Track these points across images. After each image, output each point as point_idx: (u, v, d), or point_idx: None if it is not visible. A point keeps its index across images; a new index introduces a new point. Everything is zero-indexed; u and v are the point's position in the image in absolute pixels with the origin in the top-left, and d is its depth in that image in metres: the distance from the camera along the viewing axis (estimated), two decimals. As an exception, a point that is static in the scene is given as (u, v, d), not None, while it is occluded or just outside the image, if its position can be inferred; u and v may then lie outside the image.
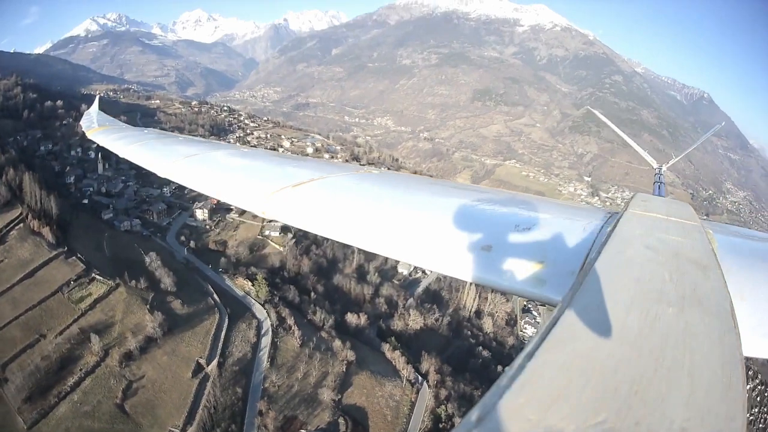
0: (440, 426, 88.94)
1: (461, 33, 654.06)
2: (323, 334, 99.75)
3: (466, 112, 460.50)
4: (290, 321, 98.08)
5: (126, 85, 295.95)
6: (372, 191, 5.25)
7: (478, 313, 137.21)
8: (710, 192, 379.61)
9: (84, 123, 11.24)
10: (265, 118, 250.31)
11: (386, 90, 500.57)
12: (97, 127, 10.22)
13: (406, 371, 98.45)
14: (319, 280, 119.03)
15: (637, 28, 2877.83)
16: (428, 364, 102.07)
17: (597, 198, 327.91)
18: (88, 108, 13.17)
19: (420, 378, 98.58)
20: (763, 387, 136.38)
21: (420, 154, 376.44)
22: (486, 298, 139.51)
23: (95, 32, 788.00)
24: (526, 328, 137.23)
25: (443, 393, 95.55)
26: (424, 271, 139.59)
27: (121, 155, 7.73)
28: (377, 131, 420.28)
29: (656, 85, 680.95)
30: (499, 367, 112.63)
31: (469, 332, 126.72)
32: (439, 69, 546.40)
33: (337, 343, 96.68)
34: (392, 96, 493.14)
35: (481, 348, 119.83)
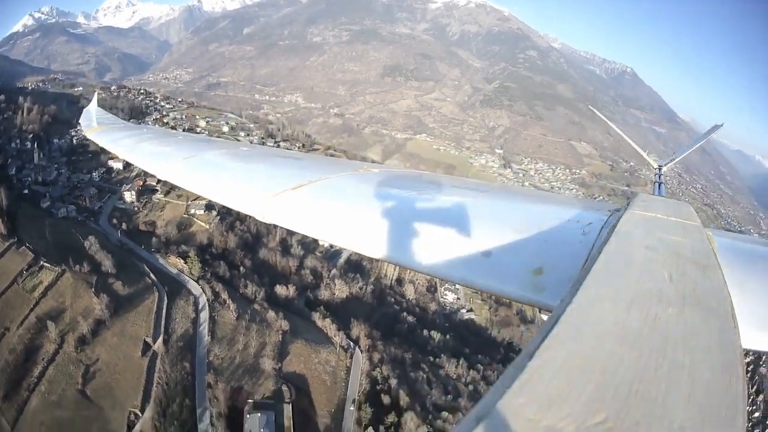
0: (378, 388, 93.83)
1: (373, 10, 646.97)
2: (256, 306, 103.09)
3: (377, 87, 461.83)
4: (224, 295, 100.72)
5: (52, 75, 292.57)
6: (372, 193, 5.17)
7: (400, 281, 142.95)
8: (631, 164, 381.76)
9: (83, 122, 11.07)
10: (180, 99, 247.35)
11: (297, 67, 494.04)
12: (96, 127, 10.16)
13: (338, 338, 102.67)
14: (246, 255, 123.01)
15: (556, 4, 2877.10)
16: (358, 330, 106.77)
17: (509, 170, 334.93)
18: (88, 105, 12.82)
19: (351, 344, 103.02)
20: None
21: (330, 129, 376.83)
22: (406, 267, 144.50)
23: (31, 27, 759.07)
24: (446, 295, 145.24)
25: (376, 356, 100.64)
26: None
27: (120, 157, 7.93)
28: (287, 108, 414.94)
29: (574, 59, 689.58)
30: (425, 331, 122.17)
31: (393, 299, 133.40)
32: (350, 46, 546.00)
33: (270, 314, 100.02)
34: (303, 73, 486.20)
35: (405, 314, 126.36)
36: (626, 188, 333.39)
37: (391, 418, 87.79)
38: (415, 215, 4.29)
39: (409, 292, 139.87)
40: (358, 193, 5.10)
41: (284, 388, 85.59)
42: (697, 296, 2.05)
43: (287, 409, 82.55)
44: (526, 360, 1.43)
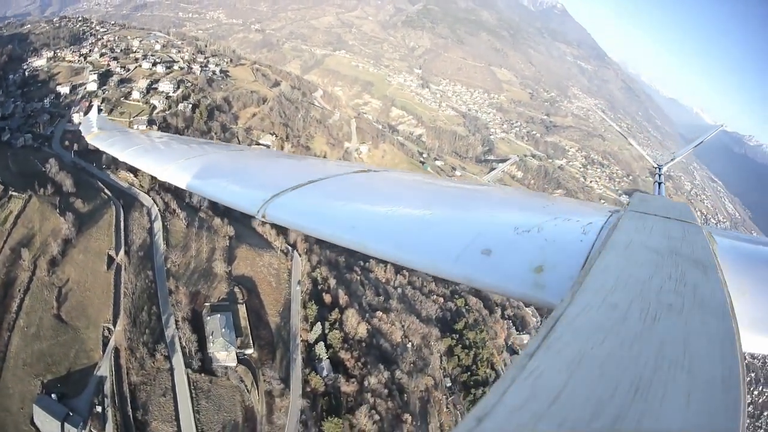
0: (319, 287, 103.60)
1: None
2: (202, 214, 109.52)
3: (298, 4, 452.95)
4: (173, 205, 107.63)
5: (6, 21, 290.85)
6: (372, 193, 5.65)
7: None
8: (552, 94, 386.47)
9: (83, 128, 10.96)
10: (112, 22, 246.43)
11: None
12: (96, 131, 10.14)
13: (278, 242, 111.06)
14: None
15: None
16: (295, 235, 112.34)
17: (427, 90, 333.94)
18: (87, 113, 15.82)
19: (290, 248, 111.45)
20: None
21: (250, 45, 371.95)
22: None
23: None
24: None
25: (314, 259, 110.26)
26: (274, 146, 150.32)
27: (120, 159, 7.71)
28: (209, 25, 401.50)
29: None
30: None
31: None
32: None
33: (216, 221, 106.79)
34: None
35: None
36: (545, 117, 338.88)
37: (334, 314, 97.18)
38: (414, 215, 4.57)
39: None
40: (357, 194, 5.52)
41: (236, 290, 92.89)
42: (697, 296, 2.11)
43: (241, 310, 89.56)
44: (526, 360, 1.47)
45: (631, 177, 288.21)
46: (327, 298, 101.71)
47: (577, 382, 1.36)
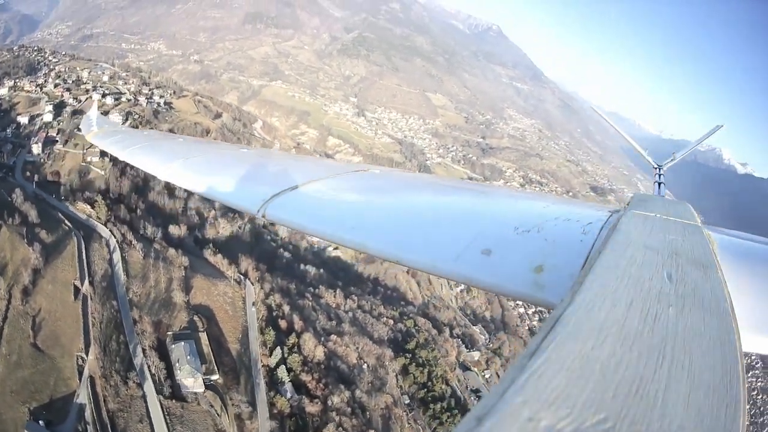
0: (274, 314, 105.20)
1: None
2: (156, 245, 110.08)
3: (237, 34, 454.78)
4: (129, 236, 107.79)
5: None
6: (372, 193, 5.59)
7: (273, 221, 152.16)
8: (488, 117, 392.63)
9: (84, 127, 11.45)
10: (63, 53, 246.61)
11: (162, 15, 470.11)
12: (96, 130, 10.47)
13: (231, 272, 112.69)
14: (139, 198, 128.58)
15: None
16: (246, 264, 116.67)
17: (363, 118, 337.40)
18: (88, 112, 13.06)
19: (242, 277, 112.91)
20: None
21: (189, 76, 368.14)
22: None
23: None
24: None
25: (267, 287, 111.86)
26: None
27: (121, 158, 7.79)
28: (150, 56, 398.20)
29: (438, 14, 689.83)
30: (302, 266, 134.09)
31: (269, 237, 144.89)
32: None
33: (171, 252, 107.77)
34: (167, 20, 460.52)
35: (282, 250, 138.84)
36: (481, 140, 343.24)
37: (292, 339, 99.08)
38: (415, 215, 4.74)
39: (282, 230, 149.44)
40: (357, 193, 5.56)
41: (195, 318, 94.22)
42: (697, 296, 2.11)
43: (203, 338, 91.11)
44: (526, 360, 1.45)
45: (570, 193, 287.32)
46: (282, 323, 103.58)
47: (577, 382, 1.36)
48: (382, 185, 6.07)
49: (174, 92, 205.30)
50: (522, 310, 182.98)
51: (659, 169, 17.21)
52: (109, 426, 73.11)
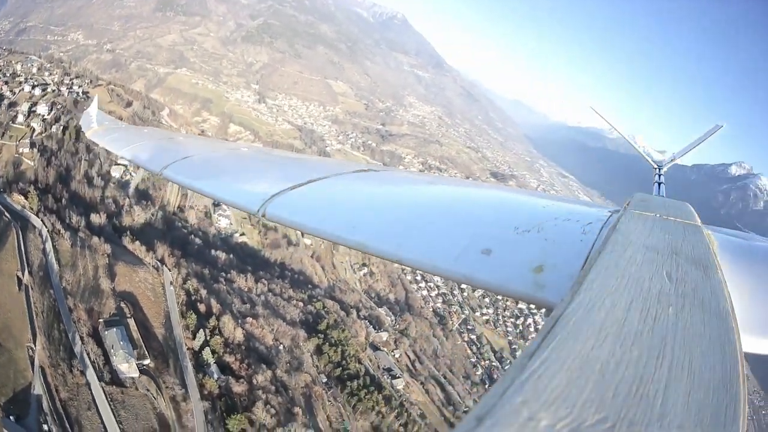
0: (192, 298, 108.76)
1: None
2: (81, 234, 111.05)
3: (147, 22, 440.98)
4: (58, 226, 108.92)
5: None
6: (372, 192, 5.61)
7: (182, 208, 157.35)
8: (387, 104, 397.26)
9: (83, 123, 11.45)
10: (3, 47, 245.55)
11: (84, 5, 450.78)
12: (96, 127, 10.50)
13: (149, 258, 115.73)
14: (64, 188, 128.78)
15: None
16: (162, 250, 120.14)
17: (264, 104, 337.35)
18: (88, 108, 13.12)
19: (159, 263, 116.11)
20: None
21: (102, 65, 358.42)
22: (185, 194, 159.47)
23: None
24: (220, 220, 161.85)
25: (183, 272, 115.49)
26: (131, 171, 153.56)
27: (120, 155, 7.99)
28: (70, 46, 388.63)
29: (343, 2, 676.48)
30: (212, 251, 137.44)
31: (180, 224, 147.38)
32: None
33: (94, 240, 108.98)
34: (88, 10, 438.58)
35: (193, 236, 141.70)
36: (381, 126, 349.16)
37: (212, 322, 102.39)
38: (415, 214, 4.63)
39: (192, 217, 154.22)
40: (358, 193, 5.53)
41: (122, 305, 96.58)
42: (697, 296, 2.10)
43: (131, 324, 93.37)
44: (526, 360, 1.44)
45: (470, 179, 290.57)
46: (202, 307, 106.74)
47: (577, 382, 1.34)
48: (382, 185, 6.23)
49: (90, 81, 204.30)
50: (425, 292, 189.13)
51: (659, 169, 17.56)
52: (63, 416, 74.48)
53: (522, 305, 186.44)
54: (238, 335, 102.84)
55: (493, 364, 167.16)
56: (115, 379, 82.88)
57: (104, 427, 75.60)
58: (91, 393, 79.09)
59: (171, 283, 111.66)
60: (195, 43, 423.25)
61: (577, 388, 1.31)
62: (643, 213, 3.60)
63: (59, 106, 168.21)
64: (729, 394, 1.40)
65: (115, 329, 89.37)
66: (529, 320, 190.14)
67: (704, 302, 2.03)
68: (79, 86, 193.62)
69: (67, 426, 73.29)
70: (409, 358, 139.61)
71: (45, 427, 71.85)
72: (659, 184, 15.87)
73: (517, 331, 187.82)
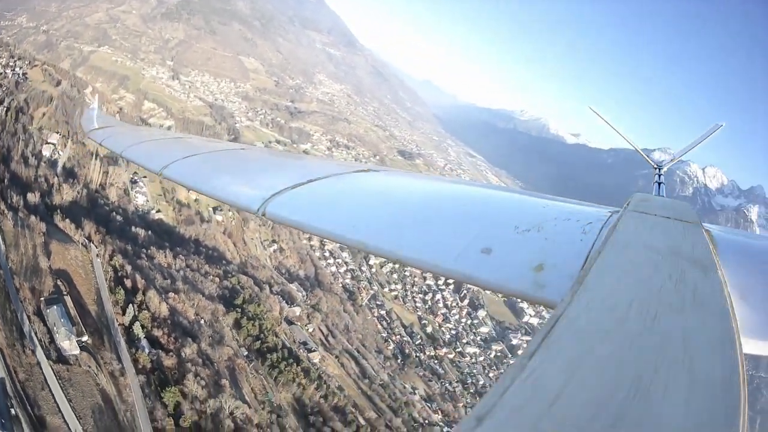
0: (119, 274, 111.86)
1: None
2: (20, 213, 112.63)
3: (79, 2, 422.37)
4: (2, 206, 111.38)
5: None
6: (372, 192, 5.69)
7: (103, 186, 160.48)
8: (297, 81, 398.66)
9: (84, 122, 11.43)
10: None
11: None
12: (96, 127, 10.52)
13: (78, 236, 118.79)
14: (4, 169, 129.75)
15: None
16: (88, 228, 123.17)
17: (177, 81, 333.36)
18: (89, 108, 13.22)
19: (87, 240, 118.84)
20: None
21: (37, 46, 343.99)
22: (106, 172, 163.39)
23: None
24: (137, 197, 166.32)
25: (109, 248, 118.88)
26: (59, 150, 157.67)
27: (120, 154, 8.00)
28: (15, 30, 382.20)
29: None
30: (132, 228, 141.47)
31: (102, 201, 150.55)
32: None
33: (32, 219, 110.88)
34: None
35: (114, 213, 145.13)
36: (290, 103, 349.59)
37: (139, 297, 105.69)
38: (415, 214, 4.71)
39: (113, 194, 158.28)
40: (357, 193, 5.59)
41: (59, 282, 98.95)
42: (697, 296, 2.10)
43: (68, 301, 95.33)
44: (526, 360, 1.47)
45: (378, 157, 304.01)
46: (128, 283, 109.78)
47: (577, 382, 1.37)
48: (382, 185, 6.25)
49: (29, 62, 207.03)
50: (334, 269, 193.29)
51: (659, 169, 17.06)
52: (24, 398, 75.06)
53: (430, 281, 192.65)
54: (164, 310, 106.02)
55: (404, 339, 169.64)
56: (60, 357, 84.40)
57: (57, 406, 76.72)
58: (43, 372, 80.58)
59: (99, 258, 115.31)
60: (118, 21, 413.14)
61: (577, 388, 1.35)
62: (643, 213, 3.80)
63: (4, 88, 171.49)
64: (729, 394, 1.42)
65: (55, 307, 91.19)
66: (438, 296, 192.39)
67: (704, 302, 2.07)
68: (20, 68, 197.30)
69: (29, 408, 74.46)
70: (323, 332, 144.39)
71: (13, 411, 72.27)
72: (659, 184, 15.82)
73: (426, 306, 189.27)
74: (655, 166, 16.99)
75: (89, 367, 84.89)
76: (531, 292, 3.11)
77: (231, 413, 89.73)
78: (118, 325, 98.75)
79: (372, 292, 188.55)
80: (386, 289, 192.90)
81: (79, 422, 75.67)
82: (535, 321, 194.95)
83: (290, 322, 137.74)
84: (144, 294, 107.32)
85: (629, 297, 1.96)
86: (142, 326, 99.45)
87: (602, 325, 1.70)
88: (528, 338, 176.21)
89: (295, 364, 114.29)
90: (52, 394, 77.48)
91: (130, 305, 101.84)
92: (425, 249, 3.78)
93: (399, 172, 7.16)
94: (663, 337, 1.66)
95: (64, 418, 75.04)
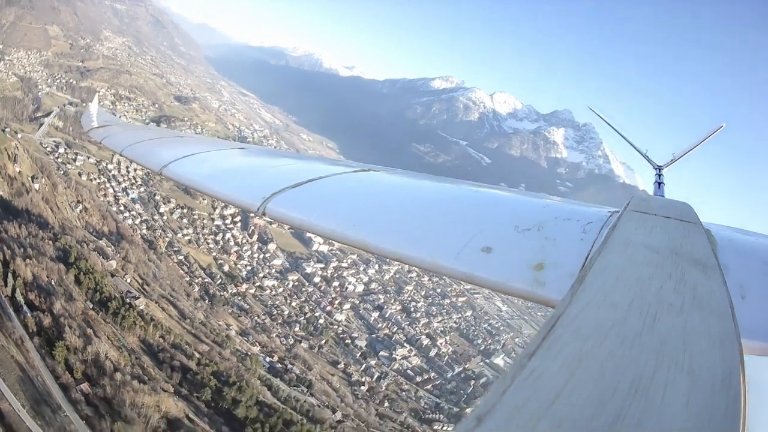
0: None
1: None
2: None
3: None
4: None
5: None
6: (373, 192, 5.62)
7: None
8: (87, 41, 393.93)
9: (84, 121, 11.29)
10: None
11: None
12: (96, 125, 10.54)
13: None
14: None
15: None
16: None
17: (2, 62, 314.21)
18: (89, 105, 12.70)
19: None
20: None
21: None
22: None
23: None
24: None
25: None
26: None
27: (120, 153, 7.89)
28: None
29: None
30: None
31: None
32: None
33: None
34: None
35: None
36: (80, 64, 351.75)
37: (11, 266, 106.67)
38: (415, 213, 4.63)
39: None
40: (358, 192, 5.52)
41: None
42: (697, 296, 2.06)
43: None
44: (526, 360, 1.44)
45: (156, 105, 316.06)
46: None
47: (577, 382, 1.34)
48: (382, 184, 6.15)
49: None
50: (131, 221, 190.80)
51: (659, 169, 16.96)
52: None
53: (218, 221, 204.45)
54: (28, 274, 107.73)
55: (206, 280, 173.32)
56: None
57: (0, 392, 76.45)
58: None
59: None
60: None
61: (577, 388, 1.32)
62: (643, 213, 3.67)
63: None
64: (729, 394, 1.39)
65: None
66: (228, 235, 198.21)
67: (704, 302, 2.03)
68: None
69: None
70: (137, 281, 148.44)
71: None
72: (659, 184, 15.68)
73: (219, 246, 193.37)
74: (656, 166, 17.26)
75: (2, 343, 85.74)
76: (531, 291, 3.24)
77: (106, 357, 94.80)
78: (5, 296, 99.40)
79: (168, 239, 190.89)
80: (179, 235, 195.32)
81: (18, 401, 77.23)
82: (324, 248, 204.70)
83: (112, 275, 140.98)
84: (13, 262, 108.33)
85: (629, 297, 1.97)
86: (21, 293, 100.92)
87: (602, 325, 1.70)
88: (321, 265, 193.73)
89: (132, 309, 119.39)
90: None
91: (9, 276, 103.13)
92: (426, 248, 3.87)
93: (399, 171, 7.16)
94: (663, 337, 1.67)
95: (8, 402, 75.88)
